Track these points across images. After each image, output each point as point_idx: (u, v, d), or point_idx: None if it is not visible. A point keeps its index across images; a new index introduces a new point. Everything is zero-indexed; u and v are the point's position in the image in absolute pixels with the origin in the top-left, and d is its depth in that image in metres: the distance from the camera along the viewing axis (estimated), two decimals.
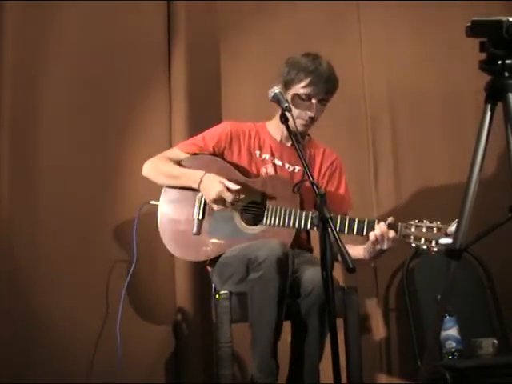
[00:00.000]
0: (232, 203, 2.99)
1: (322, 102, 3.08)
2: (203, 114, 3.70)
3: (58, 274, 3.34)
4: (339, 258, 2.43)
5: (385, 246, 2.82)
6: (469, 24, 2.13)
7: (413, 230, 2.81)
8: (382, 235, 2.80)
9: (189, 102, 3.71)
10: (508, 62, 2.08)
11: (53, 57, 3.48)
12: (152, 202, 3.18)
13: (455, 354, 3.50)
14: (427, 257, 3.79)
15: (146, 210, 3.25)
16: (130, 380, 3.31)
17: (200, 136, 3.18)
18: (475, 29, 2.12)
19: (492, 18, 2.07)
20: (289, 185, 3.03)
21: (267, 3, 3.89)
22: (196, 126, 3.41)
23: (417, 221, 2.81)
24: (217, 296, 2.94)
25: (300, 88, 3.05)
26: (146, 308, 3.52)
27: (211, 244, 3.03)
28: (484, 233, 2.17)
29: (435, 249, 2.77)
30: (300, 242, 3.14)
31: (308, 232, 3.23)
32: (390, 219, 2.84)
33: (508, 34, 2.02)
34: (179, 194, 3.09)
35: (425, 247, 2.79)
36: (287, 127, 2.84)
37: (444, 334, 3.50)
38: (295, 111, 3.00)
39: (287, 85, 3.07)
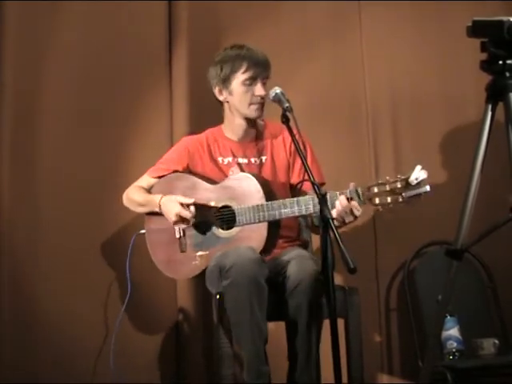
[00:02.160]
0: (193, 217, 2.98)
1: (264, 80, 3.08)
2: (204, 115, 3.68)
3: (59, 273, 3.35)
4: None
5: (348, 220, 2.76)
6: (470, 24, 2.13)
7: (375, 190, 2.70)
8: (344, 210, 2.73)
9: (190, 103, 3.71)
10: (509, 62, 2.09)
11: (53, 57, 3.47)
12: (142, 232, 3.18)
13: (456, 354, 3.49)
14: (428, 257, 3.80)
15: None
16: (131, 380, 3.31)
17: (164, 157, 3.23)
18: (476, 29, 2.12)
19: (493, 18, 2.07)
20: (250, 179, 3.00)
21: (269, 3, 3.88)
22: (197, 128, 3.41)
23: (379, 181, 2.71)
24: (218, 296, 2.94)
25: (241, 74, 3.06)
26: (147, 308, 3.51)
27: (198, 257, 3.04)
28: (485, 233, 2.17)
29: (403, 204, 2.67)
30: (288, 235, 3.11)
31: (298, 224, 3.20)
32: (351, 186, 2.76)
33: (509, 34, 2.02)
34: (159, 220, 3.10)
35: (392, 206, 2.68)
36: (289, 129, 2.78)
37: (445, 334, 3.49)
38: (245, 99, 3.04)
39: (227, 80, 3.08)
